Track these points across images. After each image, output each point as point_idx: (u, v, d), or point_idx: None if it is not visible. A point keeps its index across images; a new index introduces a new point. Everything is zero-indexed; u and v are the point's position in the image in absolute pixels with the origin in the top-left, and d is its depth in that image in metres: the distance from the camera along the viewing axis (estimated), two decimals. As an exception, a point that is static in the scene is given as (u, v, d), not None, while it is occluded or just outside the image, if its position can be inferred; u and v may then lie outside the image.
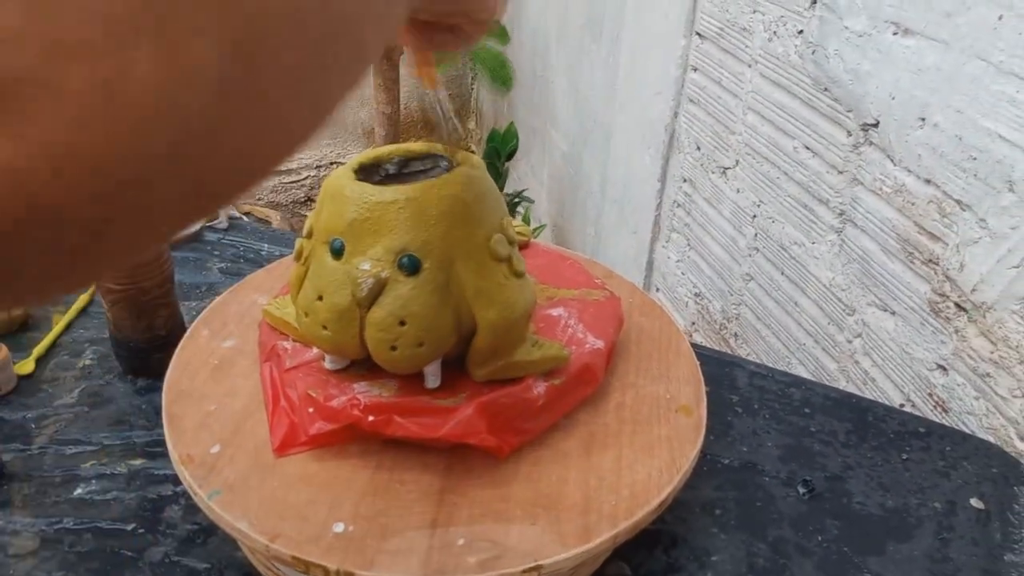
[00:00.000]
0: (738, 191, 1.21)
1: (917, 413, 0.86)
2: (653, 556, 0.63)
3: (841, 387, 0.98)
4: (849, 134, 0.93)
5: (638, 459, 0.57)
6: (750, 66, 1.12)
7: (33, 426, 0.72)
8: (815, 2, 0.96)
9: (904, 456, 0.74)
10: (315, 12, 0.18)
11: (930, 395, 0.86)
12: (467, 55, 1.76)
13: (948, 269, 0.81)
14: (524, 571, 0.49)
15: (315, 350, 0.59)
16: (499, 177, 1.99)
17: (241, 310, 0.70)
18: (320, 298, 0.53)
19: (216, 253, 0.99)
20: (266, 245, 1.02)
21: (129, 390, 0.76)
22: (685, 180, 1.38)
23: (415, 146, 0.60)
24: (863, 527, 0.66)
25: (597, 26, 1.66)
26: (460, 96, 2.55)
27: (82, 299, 0.87)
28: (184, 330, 0.68)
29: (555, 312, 0.65)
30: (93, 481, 0.67)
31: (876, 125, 0.88)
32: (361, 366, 0.58)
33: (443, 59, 1.71)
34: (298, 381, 0.57)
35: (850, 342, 0.99)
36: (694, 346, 0.85)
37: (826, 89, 0.95)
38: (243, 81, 0.17)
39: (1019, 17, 0.69)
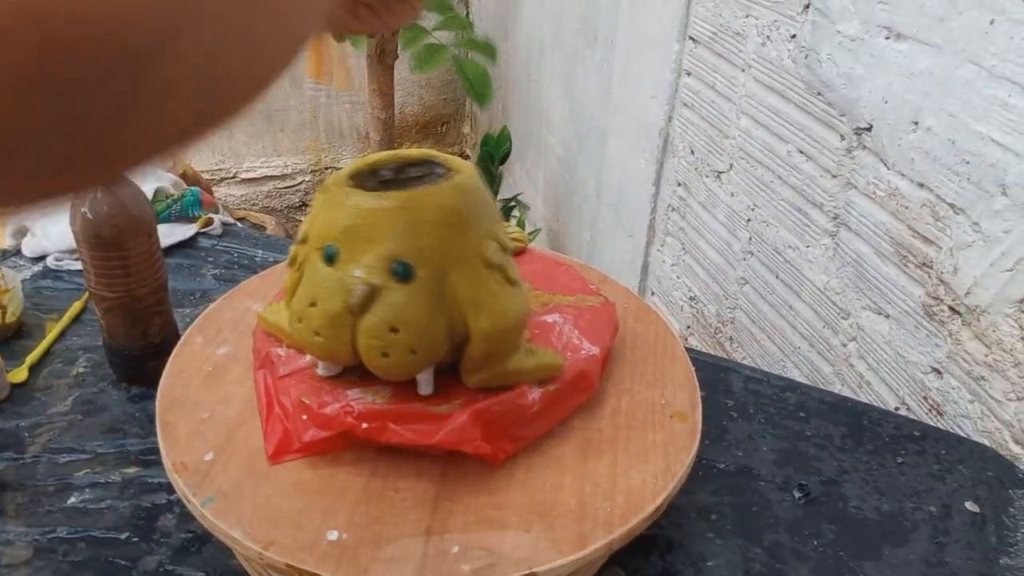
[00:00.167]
0: (732, 195, 1.21)
1: (912, 416, 0.86)
2: (649, 562, 0.63)
3: (836, 391, 0.98)
4: (842, 138, 0.93)
5: (633, 465, 0.57)
6: (743, 70, 1.12)
7: (26, 435, 0.71)
8: (808, 6, 0.96)
9: (899, 460, 0.74)
10: None
11: (925, 398, 0.86)
12: (452, 63, 1.76)
13: (942, 272, 0.81)
14: (519, 578, 0.49)
15: (309, 357, 0.59)
16: (493, 181, 1.99)
17: (235, 317, 0.70)
18: (313, 304, 0.53)
19: (210, 260, 0.99)
20: (260, 251, 1.02)
21: (123, 398, 0.76)
22: (680, 184, 1.38)
23: (410, 152, 0.60)
24: (859, 531, 0.66)
25: (591, 30, 1.67)
26: (454, 100, 2.56)
27: (76, 307, 0.87)
28: (178, 337, 0.68)
29: (550, 318, 0.65)
30: (87, 490, 0.66)
31: (869, 129, 0.88)
32: (354, 373, 0.57)
33: (426, 63, 1.72)
34: (292, 388, 0.57)
35: (845, 345, 0.99)
36: (689, 351, 0.85)
37: (819, 93, 0.96)
38: None
39: (1011, 21, 0.69)
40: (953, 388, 0.82)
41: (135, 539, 0.62)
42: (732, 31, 1.13)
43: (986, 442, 0.78)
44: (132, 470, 0.68)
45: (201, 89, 0.18)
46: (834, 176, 0.96)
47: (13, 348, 0.81)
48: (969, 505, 0.69)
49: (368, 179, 0.58)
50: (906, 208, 0.84)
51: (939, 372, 0.84)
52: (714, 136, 1.23)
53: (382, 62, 1.94)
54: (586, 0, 1.68)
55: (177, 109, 0.18)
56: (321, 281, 0.53)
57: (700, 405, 0.63)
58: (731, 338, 1.29)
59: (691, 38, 1.26)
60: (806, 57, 0.97)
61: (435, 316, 0.51)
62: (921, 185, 0.82)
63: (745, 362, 1.20)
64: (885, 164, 0.87)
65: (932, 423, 0.83)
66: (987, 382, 0.77)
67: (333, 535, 0.51)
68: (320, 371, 0.58)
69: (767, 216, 1.12)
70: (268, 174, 2.49)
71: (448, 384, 0.57)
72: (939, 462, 0.74)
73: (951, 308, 0.81)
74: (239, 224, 1.07)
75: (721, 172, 1.23)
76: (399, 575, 0.48)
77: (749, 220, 1.17)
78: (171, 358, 0.65)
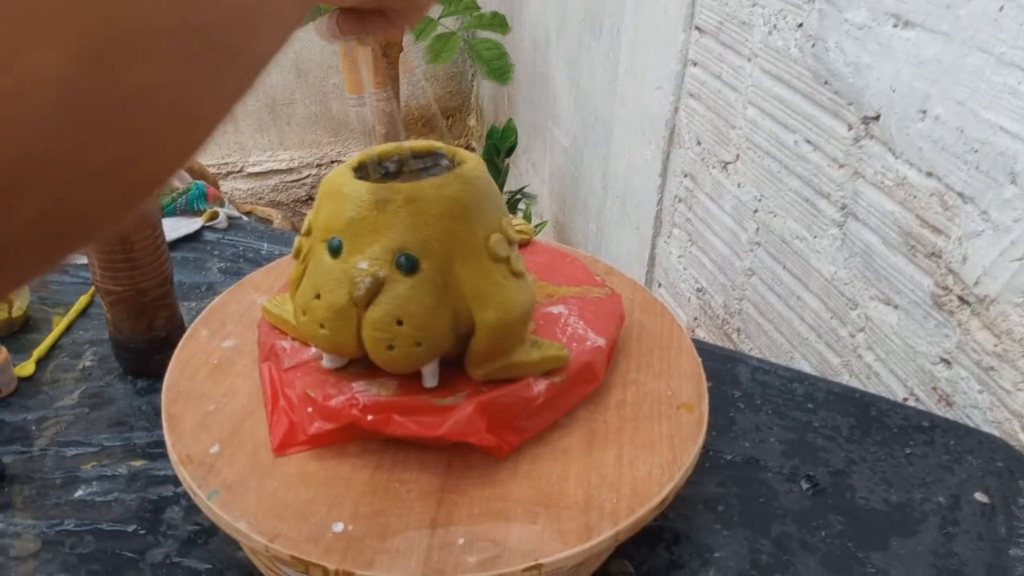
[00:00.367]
0: (739, 185, 1.20)
1: (921, 407, 0.85)
2: (656, 553, 0.63)
3: (844, 382, 0.98)
4: (850, 127, 0.92)
5: (639, 456, 0.57)
6: (750, 60, 1.11)
7: (34, 428, 0.72)
8: (815, -5, 0.95)
9: (908, 450, 0.73)
10: (192, 16, 0.17)
11: (934, 389, 0.86)
12: (464, 48, 1.74)
13: (951, 262, 0.80)
14: (524, 570, 0.49)
15: (314, 349, 0.59)
16: (499, 174, 1.99)
17: (240, 310, 0.70)
18: (318, 296, 0.53)
19: (216, 253, 0.99)
20: (266, 244, 1.02)
21: (129, 391, 0.76)
22: (686, 175, 1.38)
23: (415, 144, 0.59)
24: (867, 522, 0.66)
25: (597, 21, 1.66)
26: (460, 93, 2.55)
27: (82, 300, 0.87)
28: (184, 330, 0.68)
29: (555, 310, 0.65)
30: (94, 483, 0.66)
31: (877, 118, 0.87)
32: (359, 365, 0.57)
33: (440, 54, 1.70)
34: (297, 380, 0.57)
35: (853, 336, 0.99)
36: (696, 342, 0.84)
37: (826, 82, 0.95)
38: (96, 94, 0.16)
39: (1020, 8, 0.69)
40: (962, 378, 0.81)
41: (142, 531, 0.62)
42: (738, 20, 1.12)
43: (996, 432, 0.77)
44: (139, 463, 0.68)
45: (59, 230, 0.17)
46: (841, 166, 0.95)
47: (20, 342, 0.81)
48: (978, 496, 0.69)
49: (373, 171, 0.58)
50: (914, 197, 0.84)
51: (948, 362, 0.83)
52: (720, 127, 1.23)
53: (387, 55, 1.94)
54: (591, -9, 1.67)
55: (37, 246, 0.17)
56: (326, 273, 0.53)
57: (707, 396, 0.63)
58: (739, 329, 1.29)
59: (697, 28, 1.25)
60: (813, 46, 0.96)
61: (440, 308, 0.51)
62: (929, 174, 0.81)
63: (753, 353, 1.19)
64: (893, 153, 0.86)
65: (941, 414, 0.82)
66: (996, 372, 0.77)
67: (339, 527, 0.51)
68: (325, 363, 0.58)
69: (774, 206, 1.11)
70: (274, 168, 2.49)
71: (453, 376, 0.56)
72: (948, 452, 0.73)
73: (960, 298, 0.80)
74: (245, 217, 1.07)
75: (728, 163, 1.23)
76: (404, 567, 0.48)
77: (756, 211, 1.17)
78: (176, 351, 0.65)
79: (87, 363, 0.80)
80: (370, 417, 0.54)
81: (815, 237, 1.03)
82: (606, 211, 1.77)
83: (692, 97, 1.31)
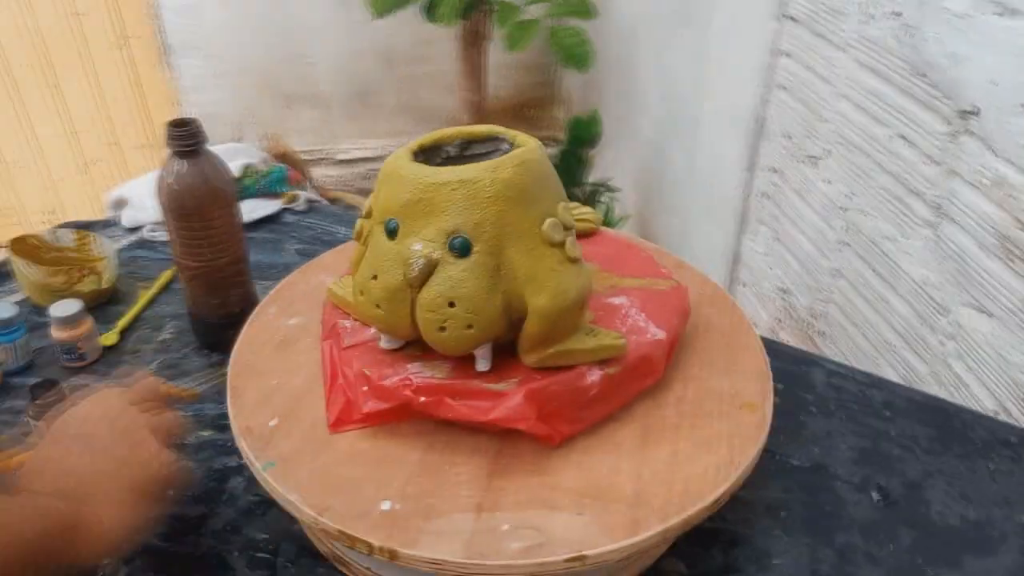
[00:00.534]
0: (828, 182, 1.15)
1: (1012, 422, 0.80)
2: (710, 555, 0.61)
3: (932, 392, 0.93)
4: (947, 122, 0.87)
5: (695, 454, 0.55)
6: (843, 50, 1.06)
7: (114, 394, 0.75)
8: (914, -18, 0.90)
9: (991, 466, 0.69)
10: None
11: (1027, 403, 0.80)
12: (546, 35, 1.72)
13: (1051, 268, 0.75)
14: (567, 560, 0.48)
15: (373, 330, 0.60)
16: (581, 165, 1.97)
17: (308, 289, 0.71)
18: (375, 277, 0.53)
19: (294, 235, 1.02)
20: (343, 228, 1.04)
21: (203, 364, 0.79)
22: (773, 170, 1.33)
23: (476, 129, 0.59)
24: (940, 538, 0.62)
25: (686, 10, 1.62)
26: (547, 84, 2.54)
27: (166, 276, 0.91)
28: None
29: (616, 300, 0.63)
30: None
31: (975, 113, 0.82)
32: (417, 347, 0.58)
33: (519, 41, 1.68)
34: (354, 359, 0.58)
35: (942, 344, 0.94)
36: (770, 342, 0.81)
37: (923, 74, 0.90)
38: None
39: None
40: (1059, 393, 0.76)
41: (205, 499, 0.64)
42: (832, 9, 1.08)
43: (1093, 453, 0.72)
44: (207, 433, 0.71)
45: None
46: (936, 163, 0.90)
47: (107, 313, 0.85)
48: (1068, 519, 0.64)
49: (433, 155, 0.58)
50: (1013, 198, 0.78)
51: (1044, 375, 0.78)
52: (810, 120, 1.18)
53: (474, 44, 1.94)
54: (683, -20, 1.64)
55: None
56: (382, 255, 0.53)
57: (772, 396, 0.61)
58: (822, 333, 1.24)
59: (789, 17, 1.21)
60: (910, 36, 0.91)
61: (492, 292, 0.51)
62: (1031, 173, 0.76)
63: (836, 359, 1.15)
64: (991, 150, 0.81)
65: (1033, 429, 0.77)
66: (1097, 388, 0.71)
67: (386, 505, 0.51)
68: (383, 344, 0.58)
69: (864, 205, 1.07)
70: (363, 155, 2.54)
71: (507, 362, 0.56)
72: (1037, 471, 0.69)
73: (1060, 306, 0.75)
74: (324, 201, 1.10)
75: (817, 158, 1.18)
76: (448, 548, 0.48)
77: (845, 209, 1.12)
78: (245, 327, 0.67)
79: (167, 335, 0.83)
80: (422, 399, 0.54)
81: (906, 238, 0.98)
82: (690, 206, 1.74)
83: (782, 89, 1.27)
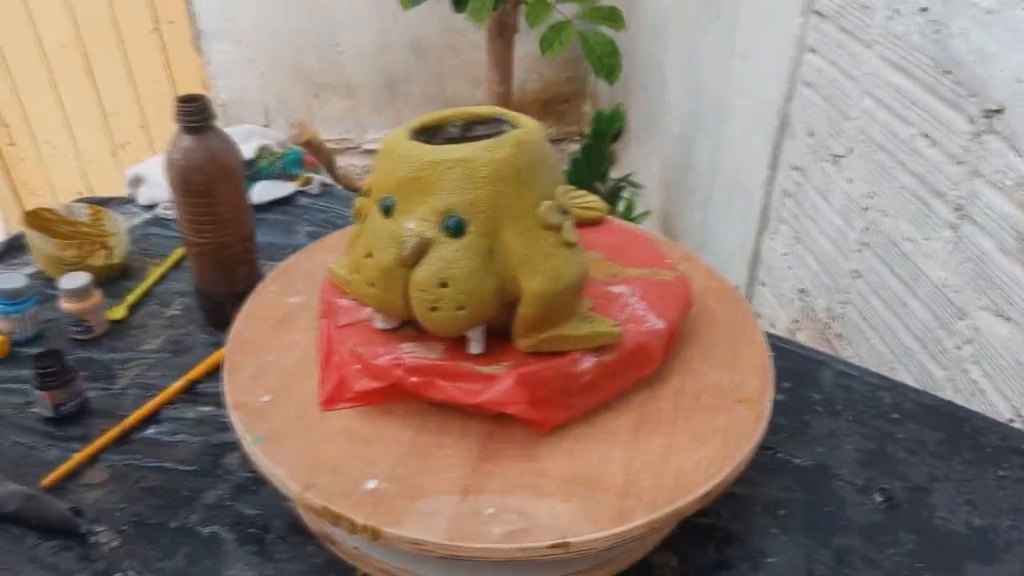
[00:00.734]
0: (850, 181, 1.13)
1: (1026, 429, 0.78)
2: (703, 551, 0.60)
3: (947, 397, 0.90)
4: (971, 121, 0.85)
5: (689, 447, 0.55)
6: (869, 47, 1.04)
7: (118, 368, 0.76)
8: (943, -24, 0.88)
9: (1000, 473, 0.67)
10: None
11: (1044, 411, 0.78)
12: (578, 38, 1.71)
13: (1072, 272, 0.73)
14: (550, 547, 0.48)
15: (369, 310, 0.59)
16: (604, 160, 1.95)
17: (311, 269, 0.71)
18: (369, 255, 0.53)
19: (306, 217, 1.02)
20: (356, 212, 1.04)
21: (208, 341, 0.79)
22: (796, 168, 1.31)
23: (479, 110, 0.59)
24: (943, 544, 0.61)
25: (714, 4, 1.60)
26: (575, 79, 2.53)
27: (177, 253, 0.92)
28: (261, 286, 0.70)
29: (616, 289, 0.63)
30: (165, 423, 0.70)
31: (1000, 111, 0.80)
32: (411, 328, 0.57)
33: (553, 45, 1.67)
34: (348, 338, 0.58)
35: (959, 348, 0.91)
36: (779, 339, 0.80)
37: (948, 71, 0.88)
38: None
39: None
40: (1076, 401, 0.74)
41: (201, 473, 0.65)
42: (859, 4, 1.05)
43: (1109, 464, 0.70)
44: (207, 408, 0.71)
45: None
46: (959, 163, 0.88)
47: (116, 288, 0.86)
48: (1078, 530, 0.62)
49: (435, 135, 0.58)
50: (1036, 199, 0.76)
51: (1061, 383, 0.75)
52: (835, 117, 1.16)
53: (502, 36, 1.94)
54: (712, -26, 1.62)
55: None
56: (377, 233, 0.53)
57: (772, 392, 0.60)
58: (840, 335, 1.22)
59: (816, 12, 1.18)
60: (936, 32, 0.89)
61: (484, 273, 0.50)
62: (1055, 174, 0.74)
63: (853, 361, 1.12)
64: (1016, 150, 0.78)
65: (1048, 438, 0.75)
66: (1116, 397, 0.69)
67: (372, 484, 0.51)
68: (377, 324, 0.58)
69: (885, 205, 1.04)
70: (390, 146, 2.55)
71: (501, 346, 0.56)
72: (1048, 480, 0.67)
73: (1080, 312, 0.72)
74: (337, 185, 1.10)
75: (840, 156, 1.16)
76: (430, 529, 0.48)
77: (866, 208, 1.09)
78: (246, 303, 0.67)
79: (174, 312, 0.84)
80: (413, 379, 0.54)
81: (926, 239, 0.96)
82: (712, 203, 1.72)
83: (807, 86, 1.24)
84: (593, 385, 0.55)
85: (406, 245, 0.50)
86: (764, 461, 0.67)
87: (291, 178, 1.05)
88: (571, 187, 0.61)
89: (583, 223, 0.71)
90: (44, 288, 0.85)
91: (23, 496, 0.60)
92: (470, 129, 0.58)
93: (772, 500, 0.64)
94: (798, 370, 0.78)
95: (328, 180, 1.09)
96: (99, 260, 0.85)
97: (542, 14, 1.72)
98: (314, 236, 0.98)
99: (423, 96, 2.49)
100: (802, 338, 1.35)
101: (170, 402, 0.71)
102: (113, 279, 0.87)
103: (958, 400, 0.91)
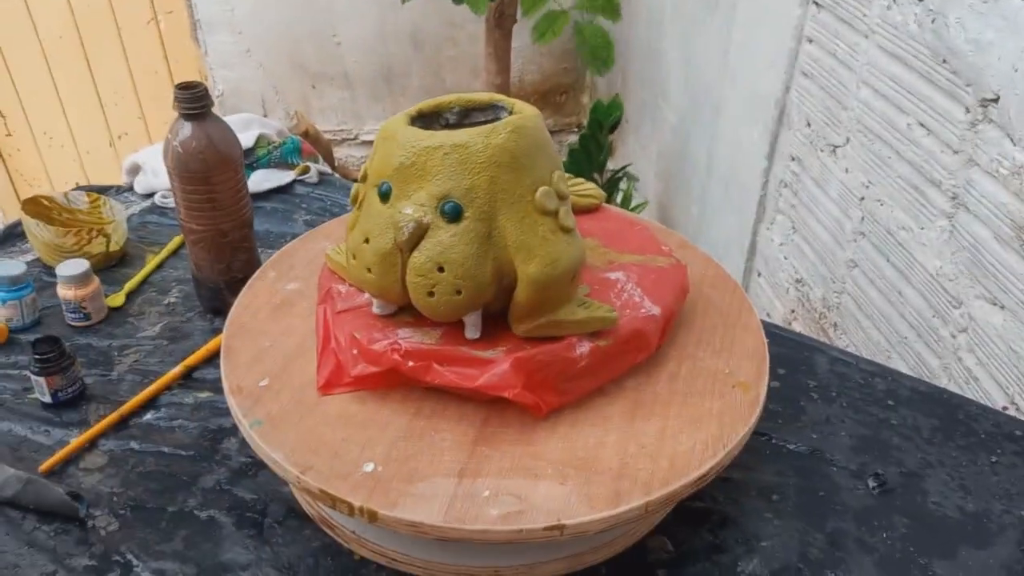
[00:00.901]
0: (847, 171, 1.13)
1: (1020, 416, 0.78)
2: (698, 534, 0.61)
3: (942, 385, 0.91)
4: (967, 110, 0.85)
5: (684, 431, 0.55)
6: (866, 36, 1.04)
7: (116, 354, 0.76)
8: (940, -34, 0.88)
9: (993, 459, 0.68)
10: None
11: (1037, 398, 0.79)
12: (572, 28, 1.71)
13: (1066, 260, 0.73)
14: (546, 529, 0.48)
15: (367, 295, 0.60)
16: (601, 150, 1.96)
17: (309, 256, 0.71)
18: (367, 241, 0.53)
19: (304, 206, 1.02)
20: (354, 201, 1.04)
21: (206, 328, 0.80)
22: (793, 158, 1.31)
23: (477, 96, 0.59)
24: (935, 528, 0.61)
25: (712, -4, 1.60)
26: (574, 70, 2.52)
27: (175, 241, 0.92)
28: (258, 273, 0.70)
29: (613, 275, 0.63)
30: (163, 409, 0.70)
31: (996, 100, 0.80)
32: (409, 313, 0.58)
33: (546, 33, 1.67)
34: (346, 323, 0.58)
35: (954, 337, 0.92)
36: (774, 326, 0.81)
37: (944, 61, 0.88)
38: None
39: None
40: (1069, 388, 0.74)
41: (198, 458, 0.65)
42: (857, -6, 1.05)
43: (1101, 450, 0.70)
44: (205, 394, 0.71)
45: None
46: (955, 152, 0.88)
47: (115, 275, 0.87)
48: (1069, 514, 0.63)
49: (433, 121, 0.58)
50: (1031, 187, 0.77)
51: (1055, 370, 0.76)
52: (832, 107, 1.16)
53: (500, 26, 1.93)
54: (710, -35, 1.61)
55: None
56: (374, 218, 0.53)
57: (767, 377, 0.60)
58: (835, 324, 1.22)
59: (815, 2, 1.18)
60: (933, 21, 0.89)
61: (481, 258, 0.51)
62: (1050, 162, 0.74)
63: (849, 350, 1.13)
64: (1011, 139, 0.79)
65: (1041, 425, 0.75)
66: (1108, 384, 0.70)
67: (369, 467, 0.51)
68: (375, 309, 0.58)
69: (881, 194, 1.05)
70: (388, 137, 2.54)
71: (498, 331, 0.56)
72: (1041, 466, 0.67)
73: (1074, 300, 0.73)
74: (336, 174, 1.10)
75: (837, 146, 1.16)
76: (426, 511, 0.49)
77: (862, 198, 1.10)
78: (244, 289, 0.67)
79: (172, 299, 0.84)
80: (410, 363, 0.54)
81: (922, 228, 0.96)
82: (709, 194, 1.72)
83: (805, 76, 1.25)
84: (589, 370, 0.56)
85: (403, 230, 0.50)
86: (759, 447, 0.68)
87: (289, 167, 1.06)
88: (569, 175, 0.61)
89: (580, 210, 0.71)
90: (43, 275, 0.85)
91: (22, 480, 0.60)
92: (468, 115, 0.59)
93: (766, 485, 0.65)
94: (793, 357, 0.78)
95: (326, 169, 1.09)
96: (97, 247, 0.85)
97: (538, 2, 1.72)
98: (312, 224, 0.98)
99: (421, 87, 2.48)
100: (798, 328, 1.35)
101: (168, 388, 0.71)
102: (111, 266, 0.88)
103: (953, 388, 0.92)
